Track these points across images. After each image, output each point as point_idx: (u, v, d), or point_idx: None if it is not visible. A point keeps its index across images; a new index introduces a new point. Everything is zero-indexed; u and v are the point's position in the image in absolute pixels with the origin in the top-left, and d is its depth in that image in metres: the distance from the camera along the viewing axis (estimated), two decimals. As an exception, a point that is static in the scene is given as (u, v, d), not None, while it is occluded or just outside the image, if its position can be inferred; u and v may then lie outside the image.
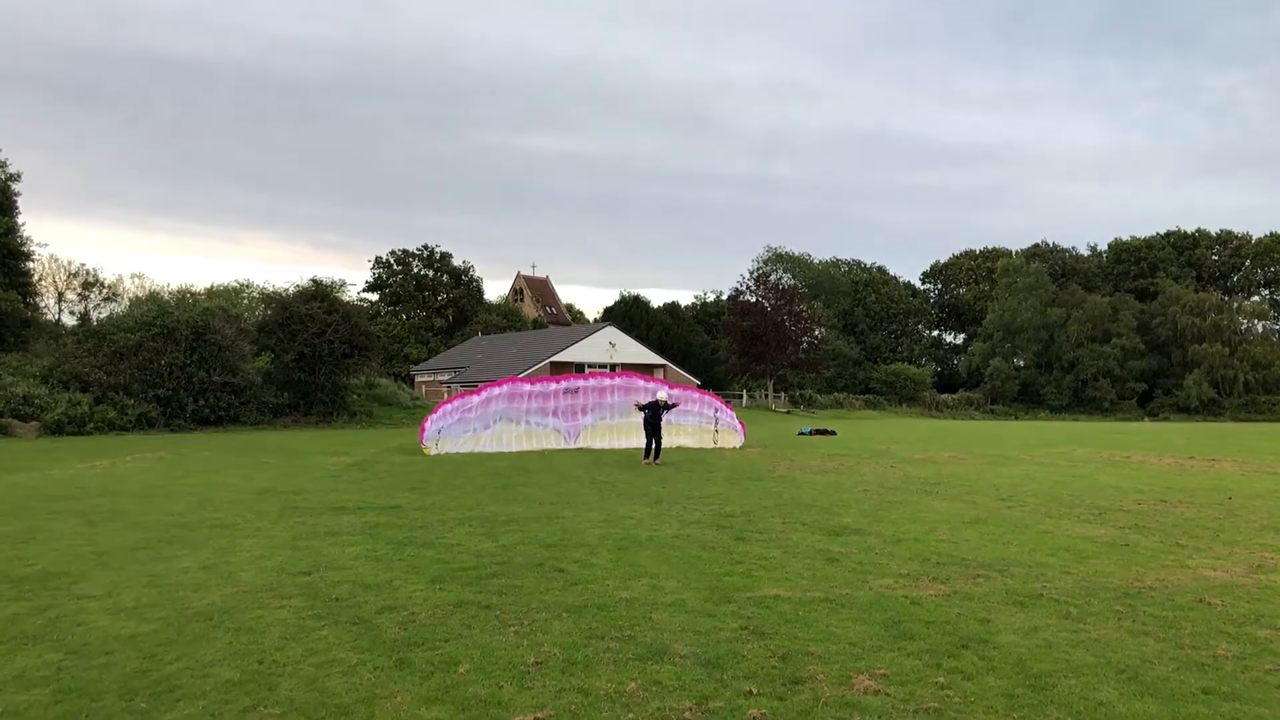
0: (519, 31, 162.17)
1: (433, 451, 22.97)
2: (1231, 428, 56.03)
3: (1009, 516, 12.85)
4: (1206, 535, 11.40)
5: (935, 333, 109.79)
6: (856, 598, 7.83)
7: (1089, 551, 10.15)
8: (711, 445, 26.95)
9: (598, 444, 25.74)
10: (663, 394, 22.60)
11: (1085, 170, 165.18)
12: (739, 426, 27.96)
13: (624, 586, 8.16)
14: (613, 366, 60.88)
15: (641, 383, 26.72)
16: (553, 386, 25.43)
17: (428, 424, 23.54)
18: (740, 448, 27.25)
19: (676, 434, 25.74)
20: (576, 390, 25.65)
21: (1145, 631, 6.90)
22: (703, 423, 26.92)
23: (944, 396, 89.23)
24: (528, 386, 25.18)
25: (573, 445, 25.29)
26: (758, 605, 7.53)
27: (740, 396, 72.79)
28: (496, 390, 24.55)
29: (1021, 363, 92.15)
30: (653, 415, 21.05)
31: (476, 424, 23.84)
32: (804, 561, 9.40)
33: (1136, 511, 13.50)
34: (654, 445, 20.89)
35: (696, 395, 27.66)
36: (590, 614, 7.20)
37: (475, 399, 24.24)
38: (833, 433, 38.06)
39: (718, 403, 27.61)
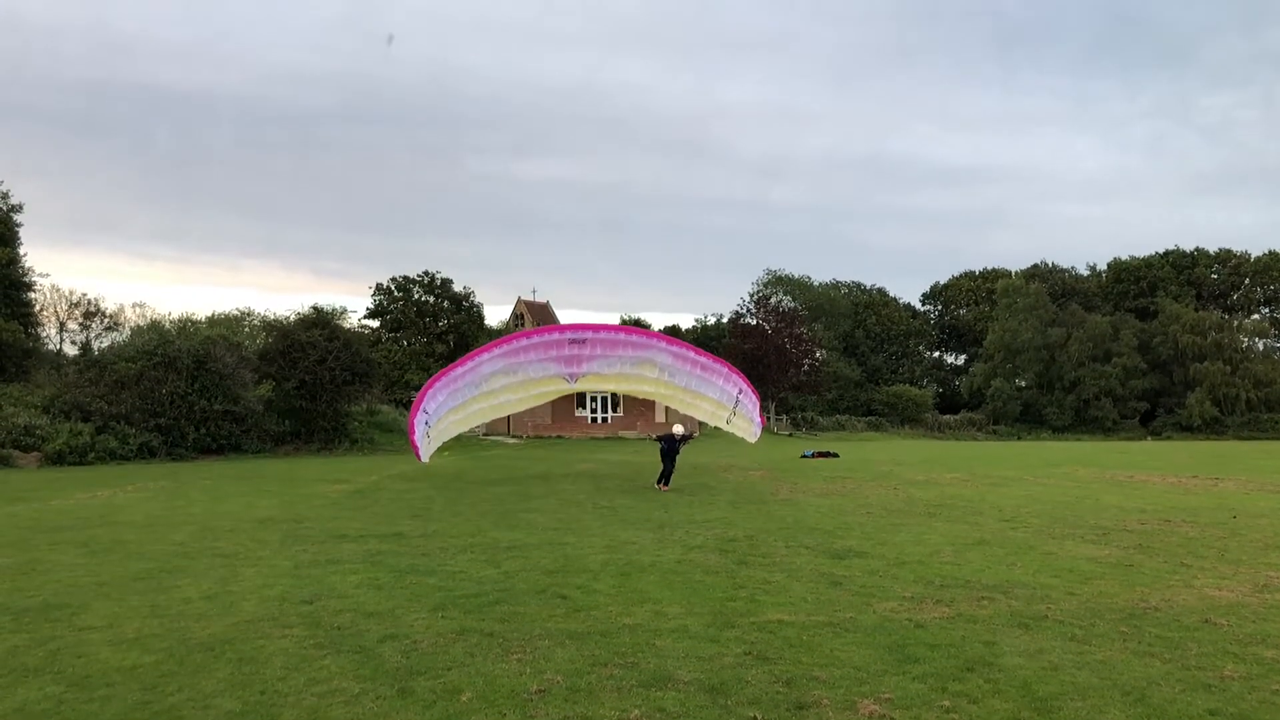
0: (517, 59, 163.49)
1: (426, 454, 20.97)
2: (1234, 446, 55.87)
3: (1012, 538, 12.81)
4: (1211, 555, 11.36)
5: (936, 354, 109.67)
6: (860, 621, 7.80)
7: (1093, 572, 10.12)
8: (724, 425, 25.38)
9: (603, 389, 24.05)
10: (679, 429, 22.30)
11: (1083, 190, 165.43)
12: (758, 420, 25.77)
13: (627, 613, 8.14)
14: (614, 391, 60.80)
15: (663, 344, 23.78)
16: (555, 336, 22.60)
17: (416, 430, 20.58)
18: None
19: (696, 399, 24.05)
20: (584, 341, 22.68)
21: (1151, 652, 6.87)
22: (722, 398, 24.72)
23: (946, 418, 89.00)
24: (524, 340, 22.48)
25: (573, 386, 23.26)
26: (761, 630, 7.50)
27: (742, 419, 72.67)
28: (487, 354, 21.86)
29: (1023, 383, 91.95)
30: (669, 447, 21.32)
31: (468, 389, 21.65)
32: (807, 585, 9.37)
33: (1140, 531, 13.45)
34: (666, 470, 21.05)
35: (724, 369, 25.21)
36: (593, 641, 7.18)
37: (460, 369, 21.64)
38: (835, 455, 37.97)
39: (744, 384, 25.32)
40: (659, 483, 20.98)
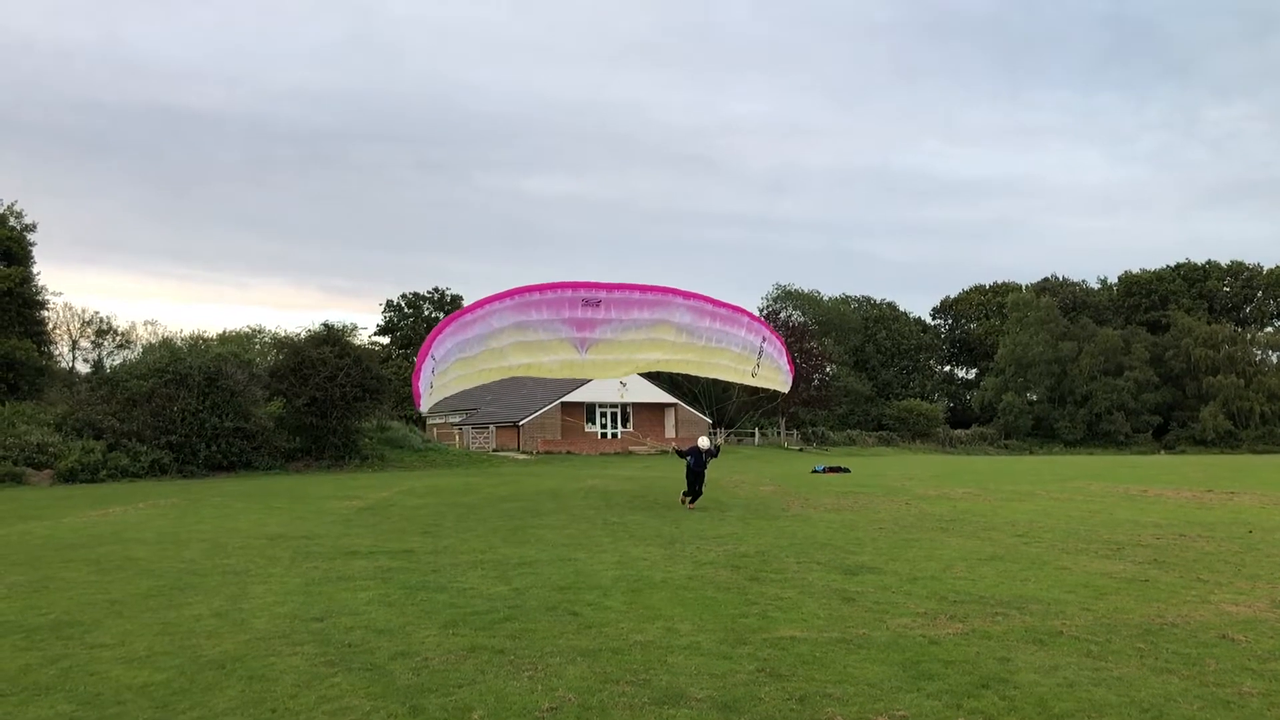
0: (524, 76, 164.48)
1: (426, 404, 20.17)
2: (1249, 460, 55.44)
3: (1026, 553, 12.71)
4: (1228, 570, 11.25)
5: (947, 368, 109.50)
6: (874, 638, 7.74)
7: (1108, 588, 10.02)
8: (750, 380, 24.05)
9: (615, 357, 22.55)
10: (704, 442, 21.54)
11: (1091, 203, 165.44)
12: (787, 367, 24.34)
13: (638, 629, 8.10)
14: (624, 406, 60.72)
15: (680, 299, 22.17)
16: (568, 294, 21.28)
17: (420, 377, 19.45)
18: (785, 395, 24.27)
19: (716, 357, 22.89)
20: (598, 302, 21.33)
21: (1168, 669, 6.79)
22: (745, 350, 23.22)
23: (957, 432, 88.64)
24: (538, 295, 21.32)
25: (583, 356, 22.13)
26: (774, 647, 7.45)
27: (752, 434, 72.57)
28: (497, 303, 20.81)
29: (1034, 397, 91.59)
30: (695, 463, 20.72)
31: (476, 343, 20.70)
32: (820, 601, 9.31)
33: (1155, 546, 13.34)
34: (694, 490, 20.57)
35: (745, 319, 23.41)
36: (605, 657, 7.14)
37: (470, 316, 20.67)
38: (846, 470, 37.82)
39: (767, 330, 23.99)
40: (687, 500, 20.51)
